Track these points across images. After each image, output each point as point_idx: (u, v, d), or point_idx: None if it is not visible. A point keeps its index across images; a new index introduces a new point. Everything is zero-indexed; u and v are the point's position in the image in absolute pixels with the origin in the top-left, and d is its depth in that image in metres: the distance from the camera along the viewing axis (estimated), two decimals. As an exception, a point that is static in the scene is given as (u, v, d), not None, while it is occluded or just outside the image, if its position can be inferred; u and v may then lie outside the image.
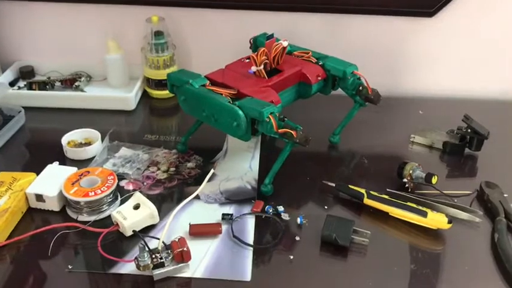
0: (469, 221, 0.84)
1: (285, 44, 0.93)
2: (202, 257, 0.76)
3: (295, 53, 1.01)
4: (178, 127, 1.12)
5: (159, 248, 0.74)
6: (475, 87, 1.23)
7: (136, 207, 0.82)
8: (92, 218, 0.82)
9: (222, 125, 0.86)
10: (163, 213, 0.83)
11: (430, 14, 1.15)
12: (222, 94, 0.87)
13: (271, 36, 0.96)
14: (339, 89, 1.00)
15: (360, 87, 0.96)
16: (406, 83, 1.24)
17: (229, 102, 0.85)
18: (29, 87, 1.19)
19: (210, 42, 1.22)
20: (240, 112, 0.82)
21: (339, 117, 1.03)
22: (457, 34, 1.18)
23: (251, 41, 1.06)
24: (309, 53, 1.00)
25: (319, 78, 0.96)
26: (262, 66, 0.92)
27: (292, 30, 1.10)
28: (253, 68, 0.92)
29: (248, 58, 0.98)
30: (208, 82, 0.90)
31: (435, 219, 0.80)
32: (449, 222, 0.80)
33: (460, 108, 1.05)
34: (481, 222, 0.83)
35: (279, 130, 0.81)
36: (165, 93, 1.19)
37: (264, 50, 0.92)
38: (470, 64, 1.21)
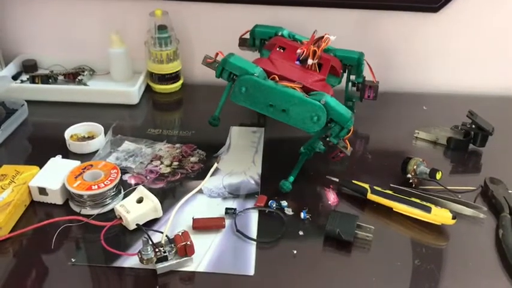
0: (473, 217, 0.83)
1: (333, 38, 0.94)
2: (206, 251, 0.76)
3: (304, 41, 1.01)
4: (181, 122, 1.12)
5: (163, 241, 0.74)
6: (480, 83, 1.23)
7: (140, 201, 0.81)
8: (95, 212, 0.82)
9: (294, 117, 0.84)
10: (166, 207, 0.83)
11: (435, 9, 1.14)
12: (291, 88, 0.86)
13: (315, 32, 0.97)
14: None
15: (365, 78, 0.98)
16: (410, 79, 1.24)
17: (307, 96, 0.85)
18: (32, 80, 1.18)
19: (214, 36, 1.22)
20: (323, 108, 0.82)
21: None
22: (462, 29, 1.17)
23: (241, 36, 1.07)
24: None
25: (341, 70, 0.98)
26: (317, 60, 0.93)
27: (296, 25, 1.09)
28: (310, 61, 0.93)
29: (281, 48, 0.97)
30: (274, 76, 0.89)
31: (439, 215, 0.80)
32: (454, 218, 0.79)
33: (464, 104, 1.05)
34: (486, 218, 0.83)
35: (345, 137, 0.85)
36: (168, 87, 1.19)
37: (324, 45, 0.93)
38: (475, 60, 1.21)
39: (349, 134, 0.85)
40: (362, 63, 0.99)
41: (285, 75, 0.89)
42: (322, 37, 0.94)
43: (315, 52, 0.93)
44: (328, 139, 0.87)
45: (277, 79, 0.88)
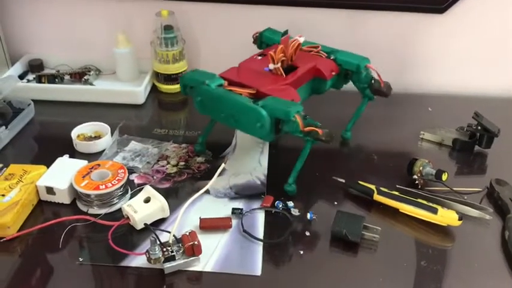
0: (479, 218, 0.83)
1: (301, 40, 0.92)
2: (213, 251, 0.76)
3: (304, 47, 0.99)
4: (187, 122, 1.12)
5: (170, 241, 0.74)
6: (486, 85, 1.23)
7: (147, 200, 0.82)
8: (103, 211, 0.82)
9: (244, 125, 0.84)
10: (172, 207, 0.83)
11: (441, 10, 1.14)
12: (241, 94, 0.85)
13: (286, 32, 0.94)
14: (347, 84, 1.00)
15: (372, 81, 0.95)
16: (415, 80, 1.24)
17: (251, 102, 0.83)
18: (38, 80, 1.19)
19: (220, 36, 1.22)
20: (264, 112, 0.80)
21: (349, 113, 1.03)
22: (468, 30, 1.17)
23: (254, 37, 1.06)
24: (318, 47, 0.99)
25: (333, 73, 0.95)
26: (279, 64, 0.90)
27: (302, 26, 1.09)
28: (271, 66, 0.91)
29: (260, 55, 0.97)
30: (226, 82, 0.88)
31: (445, 216, 0.80)
32: (460, 219, 0.79)
33: (470, 106, 1.05)
34: (491, 219, 0.83)
35: (306, 129, 0.80)
36: (174, 87, 1.20)
37: (281, 47, 0.90)
38: (481, 61, 1.21)
39: (300, 125, 0.80)
40: (361, 70, 0.95)
41: (242, 82, 0.88)
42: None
43: (272, 57, 0.90)
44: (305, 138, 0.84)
45: (226, 85, 0.87)
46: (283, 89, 0.87)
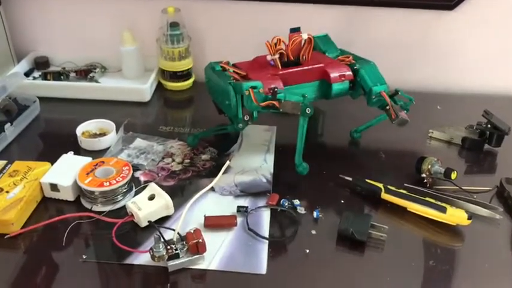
0: (489, 217, 0.82)
1: (304, 36, 0.91)
2: (217, 249, 0.76)
3: (339, 57, 0.98)
4: (192, 119, 1.11)
5: (174, 239, 0.73)
6: (495, 83, 1.21)
7: (151, 198, 0.81)
8: (107, 208, 0.81)
9: (224, 106, 0.90)
10: (177, 204, 0.82)
11: (451, 7, 1.13)
12: (231, 77, 0.90)
13: (297, 29, 0.93)
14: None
15: (387, 107, 0.90)
16: (425, 77, 1.22)
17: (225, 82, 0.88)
18: (44, 77, 1.19)
19: (226, 33, 1.21)
20: (231, 90, 0.86)
21: (363, 112, 1.00)
22: (478, 28, 1.16)
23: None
24: (349, 57, 0.98)
25: (343, 79, 0.93)
26: (277, 56, 0.91)
27: (310, 23, 1.08)
28: (269, 57, 0.92)
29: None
30: (226, 62, 0.93)
31: (455, 215, 0.79)
32: (469, 218, 0.78)
33: (479, 104, 1.04)
34: (501, 219, 0.82)
35: (261, 104, 0.84)
36: (179, 85, 1.19)
37: (279, 40, 0.91)
38: (491, 59, 1.19)
39: (252, 98, 0.84)
40: (372, 96, 0.91)
41: (245, 69, 0.92)
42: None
43: (290, 51, 0.93)
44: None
45: (224, 64, 0.93)
46: (270, 78, 0.89)
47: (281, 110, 0.83)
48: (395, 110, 0.90)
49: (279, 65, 0.92)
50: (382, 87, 0.92)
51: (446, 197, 0.84)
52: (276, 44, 0.91)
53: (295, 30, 0.93)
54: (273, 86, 0.85)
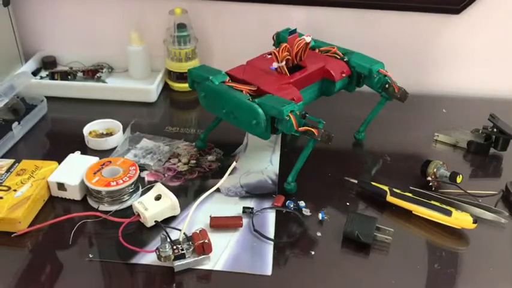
0: (494, 221, 0.82)
1: (308, 39, 0.91)
2: (223, 250, 0.76)
3: (320, 48, 0.98)
4: (198, 120, 1.11)
5: (180, 239, 0.73)
6: (502, 87, 1.21)
7: (158, 198, 0.81)
8: (113, 208, 0.82)
9: (242, 122, 0.84)
10: (183, 205, 0.83)
11: (457, 11, 1.13)
12: (242, 91, 0.85)
13: (294, 31, 0.93)
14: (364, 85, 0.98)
15: (386, 85, 0.92)
16: (431, 81, 1.22)
17: (249, 99, 0.83)
18: (51, 77, 1.19)
19: (233, 35, 1.22)
20: (260, 110, 0.80)
21: (364, 113, 1.01)
22: (485, 31, 1.16)
23: (274, 37, 1.05)
24: (334, 48, 0.98)
25: (344, 75, 0.93)
26: (284, 63, 0.89)
27: (317, 25, 1.09)
28: (275, 65, 0.90)
29: (270, 54, 0.96)
30: (228, 78, 0.88)
31: (460, 219, 0.79)
32: (475, 222, 0.78)
33: (485, 108, 1.04)
34: (507, 223, 0.82)
35: (300, 128, 0.80)
36: (186, 86, 1.19)
37: (286, 46, 0.89)
38: (497, 62, 1.19)
39: (294, 124, 0.80)
40: (373, 74, 0.93)
41: (246, 80, 0.87)
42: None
43: (276, 55, 0.89)
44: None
45: (227, 81, 0.87)
46: (285, 88, 0.87)
47: (318, 139, 0.80)
48: (396, 83, 0.92)
49: (287, 72, 0.90)
50: (378, 65, 0.93)
51: (452, 201, 0.84)
52: (282, 51, 0.89)
53: (293, 33, 0.93)
54: (303, 112, 0.82)
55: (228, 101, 0.84)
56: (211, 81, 0.87)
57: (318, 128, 0.80)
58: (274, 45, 1.05)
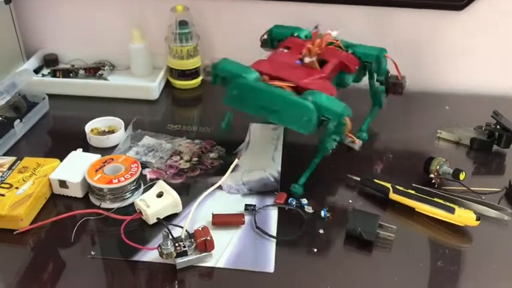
0: (498, 219, 0.82)
1: (334, 34, 0.92)
2: (225, 247, 0.76)
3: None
4: (200, 118, 1.11)
5: (183, 236, 0.73)
6: (505, 83, 1.20)
7: (160, 195, 0.81)
8: (115, 205, 0.82)
9: (285, 118, 0.82)
10: (185, 202, 0.83)
11: (460, 7, 1.12)
12: (282, 88, 0.84)
13: (316, 27, 0.94)
14: (360, 83, 0.99)
15: (389, 74, 0.94)
16: (433, 78, 1.22)
17: (296, 96, 0.82)
18: (53, 74, 1.19)
19: (234, 32, 1.21)
20: (313, 108, 0.79)
21: (366, 110, 1.01)
22: (487, 28, 1.15)
23: (262, 39, 1.04)
24: (337, 41, 0.97)
25: (357, 67, 0.94)
26: (315, 57, 0.90)
27: (318, 21, 1.08)
28: (307, 59, 0.90)
29: (287, 48, 0.95)
30: (264, 76, 0.86)
31: (463, 216, 0.79)
32: (478, 219, 0.78)
33: (488, 105, 1.03)
34: (510, 220, 0.81)
35: (348, 134, 0.81)
36: (188, 83, 1.19)
37: (319, 41, 0.90)
38: (500, 59, 1.19)
39: (348, 128, 0.81)
40: (381, 60, 0.96)
41: (279, 76, 0.86)
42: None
43: (309, 50, 0.90)
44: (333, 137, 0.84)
45: (267, 79, 0.86)
46: (321, 82, 0.87)
47: (356, 149, 0.83)
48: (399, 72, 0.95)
49: (317, 66, 0.90)
50: (383, 51, 0.96)
51: (455, 198, 0.84)
52: (315, 46, 0.90)
53: (315, 28, 0.94)
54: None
55: (271, 99, 0.83)
56: (245, 78, 0.85)
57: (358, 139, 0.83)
58: (262, 45, 1.05)
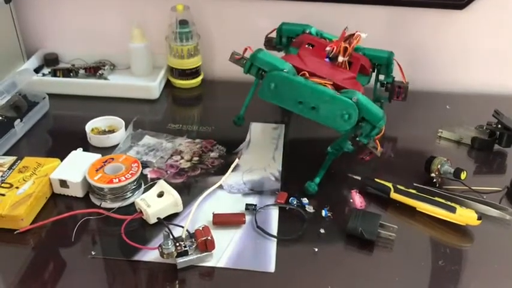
0: (499, 218, 0.81)
1: (364, 36, 0.92)
2: (226, 247, 0.76)
3: (333, 40, 0.98)
4: (201, 117, 1.11)
5: (183, 236, 0.73)
6: (506, 83, 1.20)
7: (160, 195, 0.81)
8: (116, 205, 0.81)
9: (324, 115, 0.82)
10: (186, 202, 0.82)
11: (461, 7, 1.12)
12: (322, 84, 0.84)
13: (346, 28, 0.95)
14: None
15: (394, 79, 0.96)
16: (434, 77, 1.22)
17: (338, 94, 0.82)
18: (53, 74, 1.19)
19: (235, 31, 1.21)
20: (355, 106, 0.79)
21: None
22: (488, 27, 1.15)
23: (267, 37, 1.04)
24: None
25: (370, 69, 0.95)
26: (347, 58, 0.91)
27: (319, 21, 1.08)
28: (340, 59, 0.90)
29: (311, 45, 0.95)
30: (303, 71, 0.86)
31: (464, 215, 0.79)
32: (479, 218, 0.78)
33: (489, 104, 1.03)
34: (511, 219, 0.81)
35: (377, 137, 0.83)
36: (188, 82, 1.19)
37: (355, 42, 0.91)
38: (501, 58, 1.18)
39: (380, 134, 0.83)
40: (391, 62, 0.97)
41: (314, 72, 0.86)
42: (353, 34, 0.92)
43: (346, 49, 0.90)
44: (357, 139, 0.84)
45: (307, 75, 0.85)
46: (353, 83, 0.88)
47: (378, 155, 0.86)
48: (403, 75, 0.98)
49: (347, 66, 0.91)
50: (392, 54, 0.99)
51: (456, 197, 0.84)
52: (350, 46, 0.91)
53: (345, 29, 0.94)
54: None
55: (313, 94, 0.82)
56: (287, 73, 0.83)
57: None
58: (266, 43, 1.05)
